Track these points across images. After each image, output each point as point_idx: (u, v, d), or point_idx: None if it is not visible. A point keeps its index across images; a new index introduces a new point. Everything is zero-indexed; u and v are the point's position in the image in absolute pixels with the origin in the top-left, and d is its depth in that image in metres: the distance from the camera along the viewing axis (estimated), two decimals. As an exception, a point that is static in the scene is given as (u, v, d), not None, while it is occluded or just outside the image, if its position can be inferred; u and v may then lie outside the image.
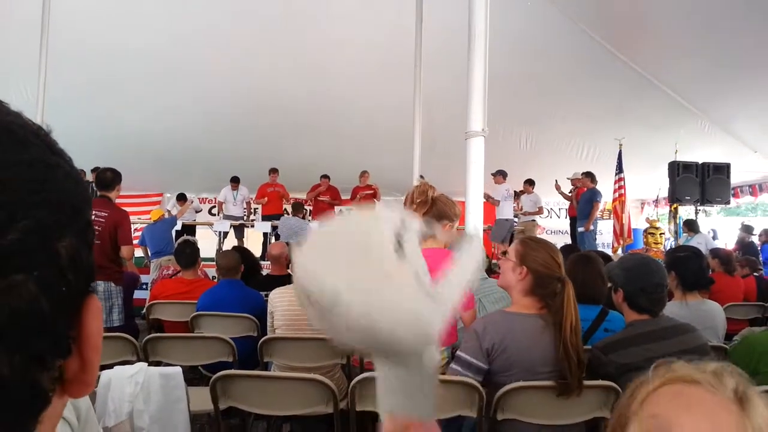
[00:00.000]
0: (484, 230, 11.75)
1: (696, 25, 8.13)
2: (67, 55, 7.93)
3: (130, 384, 2.02)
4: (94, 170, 9.81)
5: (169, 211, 9.89)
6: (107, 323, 4.32)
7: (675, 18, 8.23)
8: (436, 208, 2.22)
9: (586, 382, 2.08)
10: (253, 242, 10.99)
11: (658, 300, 2.25)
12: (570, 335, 1.96)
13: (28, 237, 0.32)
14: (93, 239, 0.40)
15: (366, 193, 10.70)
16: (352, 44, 9.10)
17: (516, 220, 10.37)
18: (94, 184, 4.72)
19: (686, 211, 10.27)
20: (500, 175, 9.98)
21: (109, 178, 4.43)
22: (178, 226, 9.27)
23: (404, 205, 2.25)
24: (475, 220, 3.79)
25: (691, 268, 2.94)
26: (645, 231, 11.35)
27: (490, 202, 10.20)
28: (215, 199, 11.72)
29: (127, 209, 5.13)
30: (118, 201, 5.32)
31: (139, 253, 7.91)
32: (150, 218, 8.66)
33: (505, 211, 9.89)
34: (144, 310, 4.30)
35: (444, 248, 2.30)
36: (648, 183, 12.44)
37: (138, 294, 5.53)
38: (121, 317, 4.42)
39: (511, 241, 9.53)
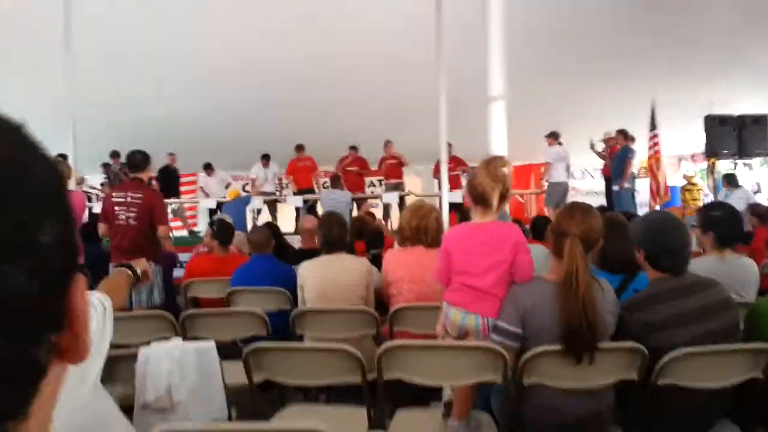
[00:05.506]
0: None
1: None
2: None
3: (166, 359, 2.11)
4: (114, 155, 10.29)
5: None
6: (149, 302, 4.43)
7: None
8: (507, 182, 2.20)
9: (611, 344, 2.08)
10: (287, 217, 11.17)
11: (683, 260, 2.22)
12: (569, 294, 1.96)
13: (10, 232, 0.36)
14: (72, 217, 0.43)
15: (391, 163, 10.72)
16: (372, 13, 9.03)
17: (569, 182, 9.87)
18: (125, 167, 4.83)
19: (726, 166, 9.95)
20: (552, 137, 9.48)
21: (139, 160, 4.56)
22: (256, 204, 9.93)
23: (486, 182, 2.13)
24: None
25: (727, 227, 2.86)
26: (682, 188, 11.08)
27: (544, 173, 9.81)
28: (248, 176, 11.92)
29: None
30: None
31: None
32: (227, 197, 9.57)
33: (558, 174, 9.41)
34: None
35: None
36: (685, 138, 12.07)
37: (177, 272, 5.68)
38: (162, 296, 4.53)
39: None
